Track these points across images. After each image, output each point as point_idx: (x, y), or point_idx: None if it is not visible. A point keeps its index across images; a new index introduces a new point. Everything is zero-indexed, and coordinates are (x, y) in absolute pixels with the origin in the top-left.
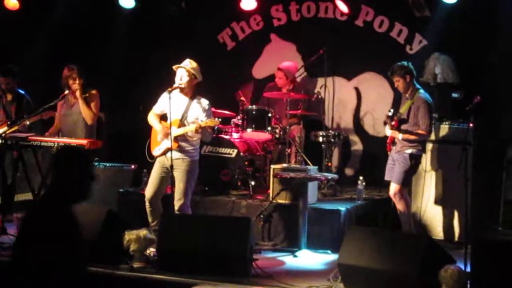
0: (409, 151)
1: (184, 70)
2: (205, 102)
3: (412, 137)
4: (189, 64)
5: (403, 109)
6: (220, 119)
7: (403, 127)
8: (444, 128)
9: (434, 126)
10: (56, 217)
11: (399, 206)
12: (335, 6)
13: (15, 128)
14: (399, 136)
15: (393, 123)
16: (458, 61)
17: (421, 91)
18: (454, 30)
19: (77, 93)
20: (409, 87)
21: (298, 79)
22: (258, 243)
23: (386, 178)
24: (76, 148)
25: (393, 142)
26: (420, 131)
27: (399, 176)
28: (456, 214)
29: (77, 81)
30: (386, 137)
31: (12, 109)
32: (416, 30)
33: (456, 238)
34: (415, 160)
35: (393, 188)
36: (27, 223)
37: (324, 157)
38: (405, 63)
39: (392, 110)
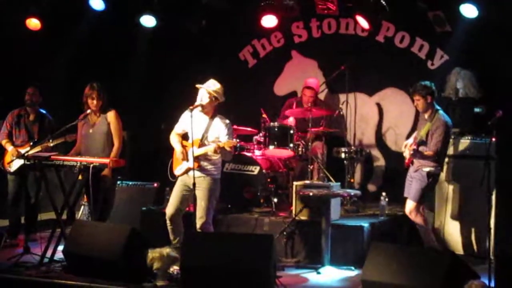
0: (427, 169)
1: (205, 91)
2: (225, 121)
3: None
4: (212, 85)
5: (423, 132)
6: (237, 140)
7: (421, 148)
8: (466, 143)
9: (456, 140)
10: None
11: (417, 222)
12: (356, 22)
13: (38, 149)
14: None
15: (414, 146)
16: (479, 76)
17: (441, 112)
18: (475, 45)
19: (94, 116)
20: (429, 108)
21: (321, 97)
22: (281, 260)
23: (406, 194)
24: None
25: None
26: (428, 152)
27: (416, 193)
28: (478, 228)
29: (95, 102)
30: None
31: (35, 129)
32: (437, 45)
33: (479, 253)
34: (432, 178)
35: (409, 205)
36: None
37: (346, 173)
38: (428, 83)
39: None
